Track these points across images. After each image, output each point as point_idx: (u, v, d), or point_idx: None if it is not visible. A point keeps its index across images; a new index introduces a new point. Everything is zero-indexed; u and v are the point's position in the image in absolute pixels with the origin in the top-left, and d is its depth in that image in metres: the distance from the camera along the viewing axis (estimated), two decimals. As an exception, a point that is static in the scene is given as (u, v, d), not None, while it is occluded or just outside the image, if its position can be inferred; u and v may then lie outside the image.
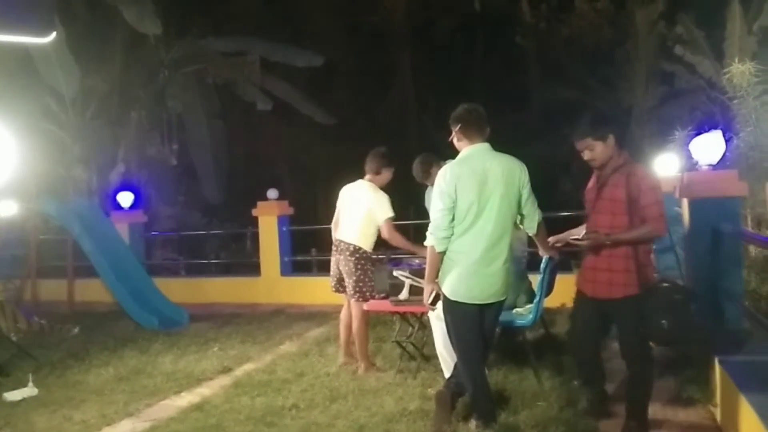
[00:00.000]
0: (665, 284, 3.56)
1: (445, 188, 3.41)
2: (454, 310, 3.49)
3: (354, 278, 4.88)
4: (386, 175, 5.00)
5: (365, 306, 5.00)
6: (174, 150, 12.25)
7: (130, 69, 10.82)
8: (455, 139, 3.59)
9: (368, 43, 16.60)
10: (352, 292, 4.91)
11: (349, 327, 5.10)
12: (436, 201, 3.46)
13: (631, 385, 3.54)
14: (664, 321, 3.35)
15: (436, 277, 3.50)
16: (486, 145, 3.53)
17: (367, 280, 4.91)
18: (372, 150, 5.04)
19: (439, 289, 3.49)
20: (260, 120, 13.58)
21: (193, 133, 11.57)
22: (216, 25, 12.49)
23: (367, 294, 4.90)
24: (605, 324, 3.71)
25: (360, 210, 4.87)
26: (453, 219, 3.41)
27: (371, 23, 16.88)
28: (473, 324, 3.48)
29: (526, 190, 3.49)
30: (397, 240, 4.85)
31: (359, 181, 5.04)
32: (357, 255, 4.88)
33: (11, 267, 8.34)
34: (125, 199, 9.10)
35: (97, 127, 10.46)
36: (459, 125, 3.54)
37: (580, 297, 3.67)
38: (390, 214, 4.84)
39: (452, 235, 3.43)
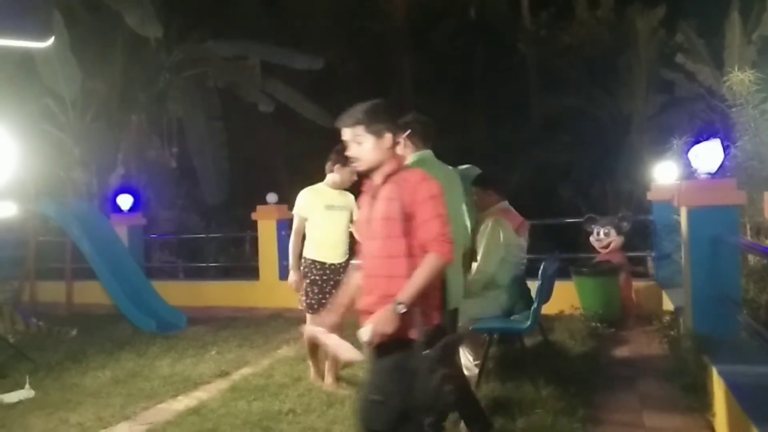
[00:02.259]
0: (443, 335, 2.57)
1: None
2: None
3: (303, 290, 4.67)
4: (339, 174, 4.65)
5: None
6: (174, 153, 12.27)
7: (131, 72, 10.84)
8: (400, 145, 3.45)
9: (368, 48, 16.63)
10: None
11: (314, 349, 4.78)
12: None
13: None
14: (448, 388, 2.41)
15: None
16: (431, 152, 3.62)
17: (309, 290, 4.60)
18: None
19: None
20: (260, 124, 13.61)
21: (194, 135, 11.59)
22: (216, 28, 12.52)
23: (314, 306, 4.54)
24: None
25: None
26: None
27: (371, 28, 16.92)
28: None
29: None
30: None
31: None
32: (303, 264, 4.71)
33: (10, 268, 8.34)
34: (125, 201, 9.11)
35: (97, 129, 10.46)
36: (411, 130, 3.56)
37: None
38: (294, 210, 4.75)
39: None
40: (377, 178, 2.69)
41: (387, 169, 2.68)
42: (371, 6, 16.67)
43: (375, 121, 2.66)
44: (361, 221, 2.77)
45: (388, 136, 2.67)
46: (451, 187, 3.47)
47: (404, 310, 2.43)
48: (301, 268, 4.71)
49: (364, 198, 2.78)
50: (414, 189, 2.56)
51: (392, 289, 2.52)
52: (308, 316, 4.62)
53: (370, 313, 2.58)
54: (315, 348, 4.74)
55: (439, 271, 2.54)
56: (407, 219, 2.55)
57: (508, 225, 4.45)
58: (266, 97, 11.64)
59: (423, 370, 2.41)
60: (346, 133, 2.69)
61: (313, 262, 4.65)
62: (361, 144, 2.67)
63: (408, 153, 3.55)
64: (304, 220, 4.69)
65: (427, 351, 2.43)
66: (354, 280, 2.80)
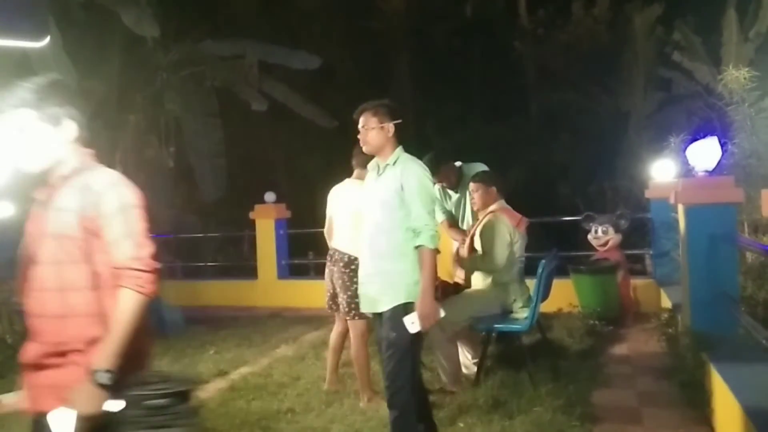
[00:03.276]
0: (150, 384, 1.89)
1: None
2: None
3: (350, 293, 4.15)
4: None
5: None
6: (171, 153, 12.25)
7: (128, 72, 10.81)
8: (388, 132, 3.21)
9: (366, 47, 16.62)
10: (347, 309, 4.23)
11: (338, 350, 4.59)
12: (432, 196, 3.24)
13: None
14: None
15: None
16: None
17: (355, 289, 4.08)
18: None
19: None
20: (258, 123, 13.60)
21: (191, 134, 11.57)
22: (214, 27, 12.51)
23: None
24: None
25: (350, 214, 4.22)
26: None
27: (369, 27, 16.91)
28: None
29: None
30: None
31: (347, 181, 4.45)
32: (353, 266, 4.07)
33: (7, 269, 8.30)
34: (122, 201, 9.08)
35: (94, 129, 10.44)
36: (400, 121, 3.27)
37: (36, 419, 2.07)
38: (357, 207, 3.97)
39: None
40: (52, 180, 2.00)
41: (66, 168, 1.99)
42: (369, 5, 16.68)
43: (50, 104, 1.97)
44: (28, 239, 2.04)
45: (69, 125, 2.01)
46: None
47: (109, 381, 1.81)
48: (349, 271, 4.19)
49: (35, 208, 2.05)
50: (99, 197, 1.93)
51: (67, 335, 1.90)
52: (360, 323, 4.22)
53: (37, 367, 1.96)
54: (338, 354, 4.57)
55: (142, 309, 1.89)
56: (89, 237, 1.91)
57: (509, 222, 4.47)
58: (260, 96, 11.62)
59: None
60: (9, 123, 1.95)
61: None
62: (31, 136, 1.94)
63: (395, 143, 3.27)
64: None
65: (127, 411, 1.83)
66: None
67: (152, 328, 2.09)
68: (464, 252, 4.74)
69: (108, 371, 1.82)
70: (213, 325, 7.18)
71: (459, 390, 4.28)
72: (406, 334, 3.02)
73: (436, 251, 3.11)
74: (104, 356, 1.83)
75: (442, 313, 3.10)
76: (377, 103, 3.27)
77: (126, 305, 1.87)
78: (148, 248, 1.94)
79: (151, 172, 11.92)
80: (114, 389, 1.82)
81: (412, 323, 3.00)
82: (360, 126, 3.26)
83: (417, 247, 3.07)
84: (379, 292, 3.16)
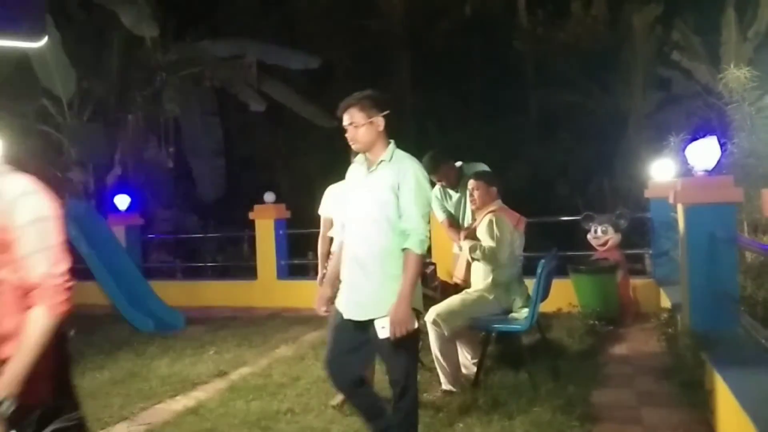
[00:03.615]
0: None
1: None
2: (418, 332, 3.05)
3: None
4: None
5: None
6: (170, 153, 12.27)
7: (127, 71, 10.84)
8: (378, 127, 2.97)
9: (366, 47, 16.62)
10: None
11: None
12: (430, 201, 3.12)
13: None
14: None
15: None
16: None
17: None
18: None
19: None
20: (257, 123, 13.60)
21: (190, 134, 11.59)
22: (213, 27, 12.52)
23: None
24: None
25: None
26: None
27: (369, 27, 16.90)
28: None
29: None
30: None
31: None
32: None
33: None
34: (122, 201, 9.10)
35: (93, 129, 10.46)
36: (388, 112, 3.00)
37: None
38: None
39: None
40: None
41: None
42: (369, 5, 16.67)
43: None
44: None
45: None
46: None
47: (13, 407, 1.65)
48: None
49: None
50: (12, 206, 1.75)
51: None
52: None
53: None
54: None
55: (52, 331, 1.73)
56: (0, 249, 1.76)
57: (509, 221, 4.48)
58: (258, 97, 11.64)
59: None
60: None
61: None
62: None
63: (385, 139, 3.02)
64: None
65: None
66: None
67: (67, 354, 1.91)
68: (462, 246, 4.73)
69: (8, 399, 1.65)
70: (212, 326, 7.18)
71: (458, 390, 4.27)
72: (407, 338, 2.83)
73: (422, 257, 2.94)
74: (6, 382, 1.66)
75: (415, 324, 2.89)
76: (361, 96, 2.97)
77: (37, 325, 1.71)
78: (63, 264, 1.78)
79: (151, 171, 11.93)
80: (13, 421, 1.64)
81: (383, 327, 2.82)
82: (346, 123, 2.97)
83: (403, 250, 2.88)
84: (372, 296, 2.93)
